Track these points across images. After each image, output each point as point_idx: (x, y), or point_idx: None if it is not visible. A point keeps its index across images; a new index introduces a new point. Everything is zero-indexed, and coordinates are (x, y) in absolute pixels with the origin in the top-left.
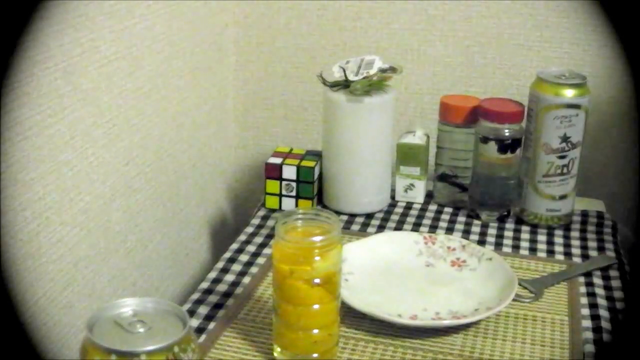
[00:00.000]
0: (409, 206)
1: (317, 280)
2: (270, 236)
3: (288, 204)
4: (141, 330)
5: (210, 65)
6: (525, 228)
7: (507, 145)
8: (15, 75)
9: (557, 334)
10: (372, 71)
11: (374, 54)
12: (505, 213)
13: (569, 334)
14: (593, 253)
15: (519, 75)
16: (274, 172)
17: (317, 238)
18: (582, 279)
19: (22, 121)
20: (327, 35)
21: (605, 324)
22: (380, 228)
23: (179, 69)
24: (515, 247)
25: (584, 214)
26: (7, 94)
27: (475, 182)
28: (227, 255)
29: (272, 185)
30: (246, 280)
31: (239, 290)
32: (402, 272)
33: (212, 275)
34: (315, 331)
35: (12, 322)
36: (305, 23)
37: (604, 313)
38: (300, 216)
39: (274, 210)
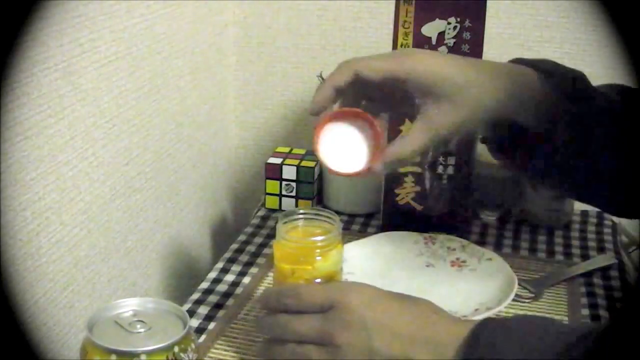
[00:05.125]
0: None
1: (318, 280)
2: (270, 236)
3: (288, 204)
4: (141, 330)
5: (210, 65)
6: (525, 228)
7: None
8: (15, 75)
9: None
10: None
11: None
12: (505, 213)
13: None
14: (593, 253)
15: None
16: (274, 172)
17: (318, 238)
18: (582, 279)
19: (22, 121)
20: (327, 35)
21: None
22: (381, 228)
23: (179, 69)
24: (515, 248)
25: (584, 214)
26: (7, 94)
27: (476, 182)
28: (227, 255)
29: (272, 186)
30: (246, 280)
31: (239, 290)
32: (402, 272)
33: (212, 275)
34: None
35: (12, 322)
36: (305, 23)
37: (604, 313)
38: (301, 216)
39: (274, 211)
